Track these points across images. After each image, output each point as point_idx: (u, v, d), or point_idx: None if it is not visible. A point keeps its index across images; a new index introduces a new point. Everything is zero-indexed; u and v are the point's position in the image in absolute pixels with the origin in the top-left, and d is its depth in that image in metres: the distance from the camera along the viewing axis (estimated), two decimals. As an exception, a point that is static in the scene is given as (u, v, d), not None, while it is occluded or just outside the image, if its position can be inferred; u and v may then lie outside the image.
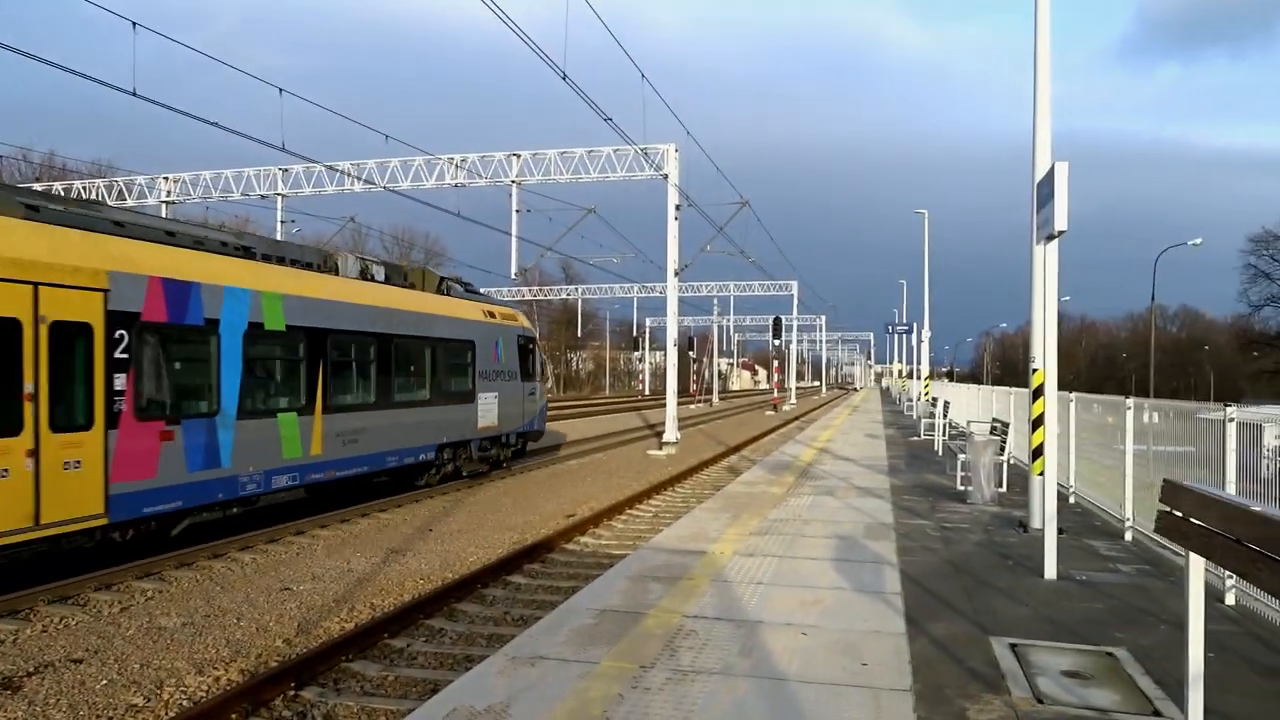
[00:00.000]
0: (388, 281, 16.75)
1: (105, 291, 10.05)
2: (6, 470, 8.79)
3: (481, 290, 22.55)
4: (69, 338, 9.64)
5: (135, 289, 10.47)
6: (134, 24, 17.21)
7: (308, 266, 14.53)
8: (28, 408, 9.07)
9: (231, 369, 11.97)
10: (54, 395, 9.38)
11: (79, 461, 9.61)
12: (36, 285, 9.25)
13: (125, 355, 10.30)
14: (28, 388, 9.08)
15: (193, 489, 11.23)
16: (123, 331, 10.29)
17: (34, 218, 9.79)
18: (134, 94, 18.03)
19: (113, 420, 10.05)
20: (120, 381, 10.22)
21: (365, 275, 16.15)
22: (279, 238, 31.05)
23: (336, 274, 15.27)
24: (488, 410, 19.23)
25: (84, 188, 33.78)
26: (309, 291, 13.73)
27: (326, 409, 13.91)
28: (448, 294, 18.87)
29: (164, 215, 29.72)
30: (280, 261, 13.79)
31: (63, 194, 27.09)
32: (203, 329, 11.55)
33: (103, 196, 33.14)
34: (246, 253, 13.17)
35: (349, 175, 31.39)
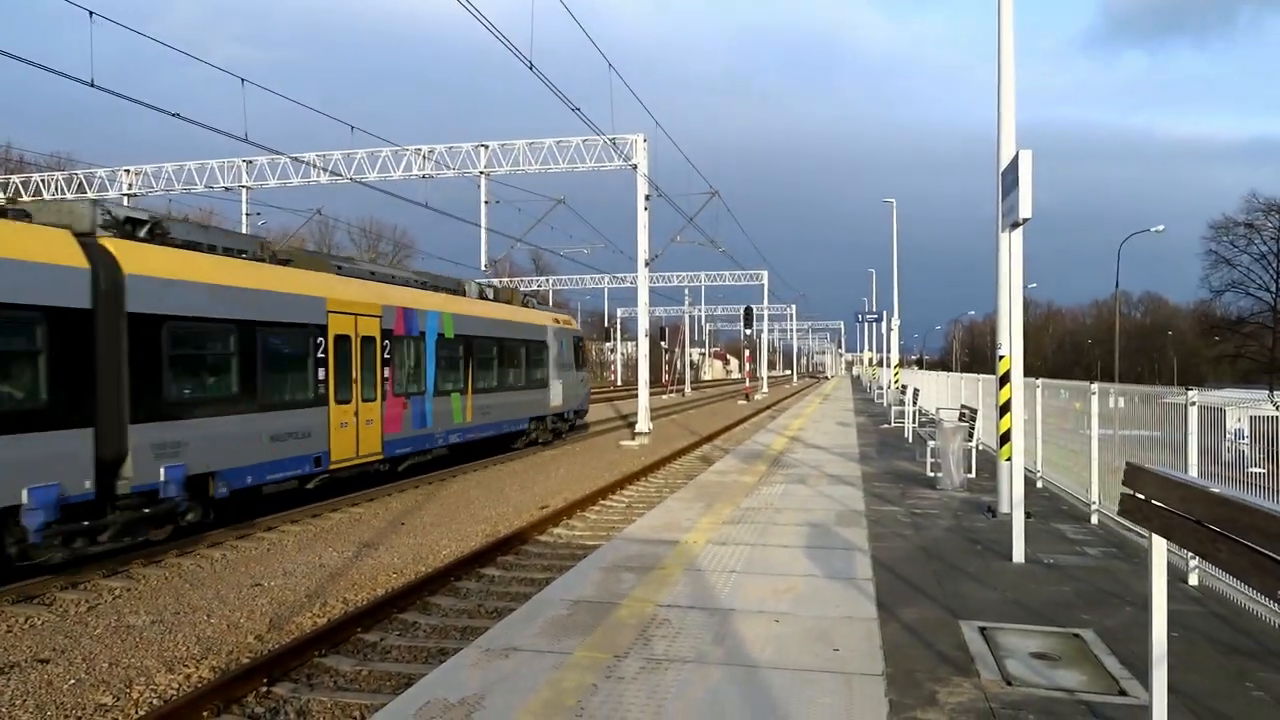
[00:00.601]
0: (494, 299, 22.89)
1: (379, 317, 15.93)
2: (346, 423, 14.84)
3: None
4: (365, 345, 15.47)
5: (391, 314, 16.38)
6: (90, 13, 16.87)
7: (450, 290, 20.49)
8: (354, 387, 15.10)
9: (431, 364, 18.01)
10: (363, 380, 15.35)
11: (371, 420, 15.67)
12: (356, 315, 15.17)
13: (389, 356, 16.21)
14: (354, 375, 15.10)
15: (416, 440, 17.41)
16: (387, 341, 16.17)
17: (340, 273, 15.88)
18: (92, 84, 17.70)
19: (384, 395, 16.03)
20: (387, 372, 16.17)
21: (482, 296, 22.24)
22: (244, 230, 30.63)
23: (463, 295, 21.14)
24: (556, 394, 25.34)
25: (42, 181, 33.09)
26: (463, 310, 19.95)
27: (473, 390, 19.99)
28: (527, 307, 25.31)
29: (125, 204, 29.26)
30: (435, 289, 19.72)
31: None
32: (418, 338, 17.57)
33: (62, 190, 32.51)
34: (423, 285, 19.24)
35: (315, 167, 31.00)
